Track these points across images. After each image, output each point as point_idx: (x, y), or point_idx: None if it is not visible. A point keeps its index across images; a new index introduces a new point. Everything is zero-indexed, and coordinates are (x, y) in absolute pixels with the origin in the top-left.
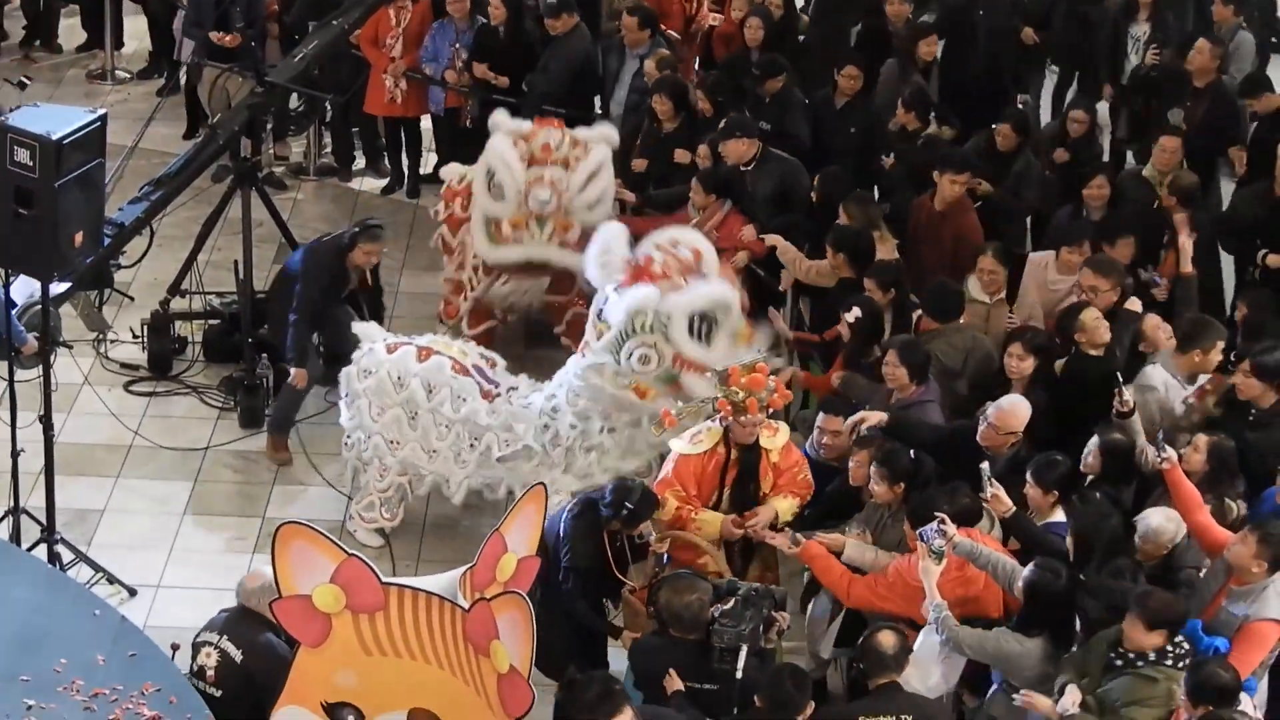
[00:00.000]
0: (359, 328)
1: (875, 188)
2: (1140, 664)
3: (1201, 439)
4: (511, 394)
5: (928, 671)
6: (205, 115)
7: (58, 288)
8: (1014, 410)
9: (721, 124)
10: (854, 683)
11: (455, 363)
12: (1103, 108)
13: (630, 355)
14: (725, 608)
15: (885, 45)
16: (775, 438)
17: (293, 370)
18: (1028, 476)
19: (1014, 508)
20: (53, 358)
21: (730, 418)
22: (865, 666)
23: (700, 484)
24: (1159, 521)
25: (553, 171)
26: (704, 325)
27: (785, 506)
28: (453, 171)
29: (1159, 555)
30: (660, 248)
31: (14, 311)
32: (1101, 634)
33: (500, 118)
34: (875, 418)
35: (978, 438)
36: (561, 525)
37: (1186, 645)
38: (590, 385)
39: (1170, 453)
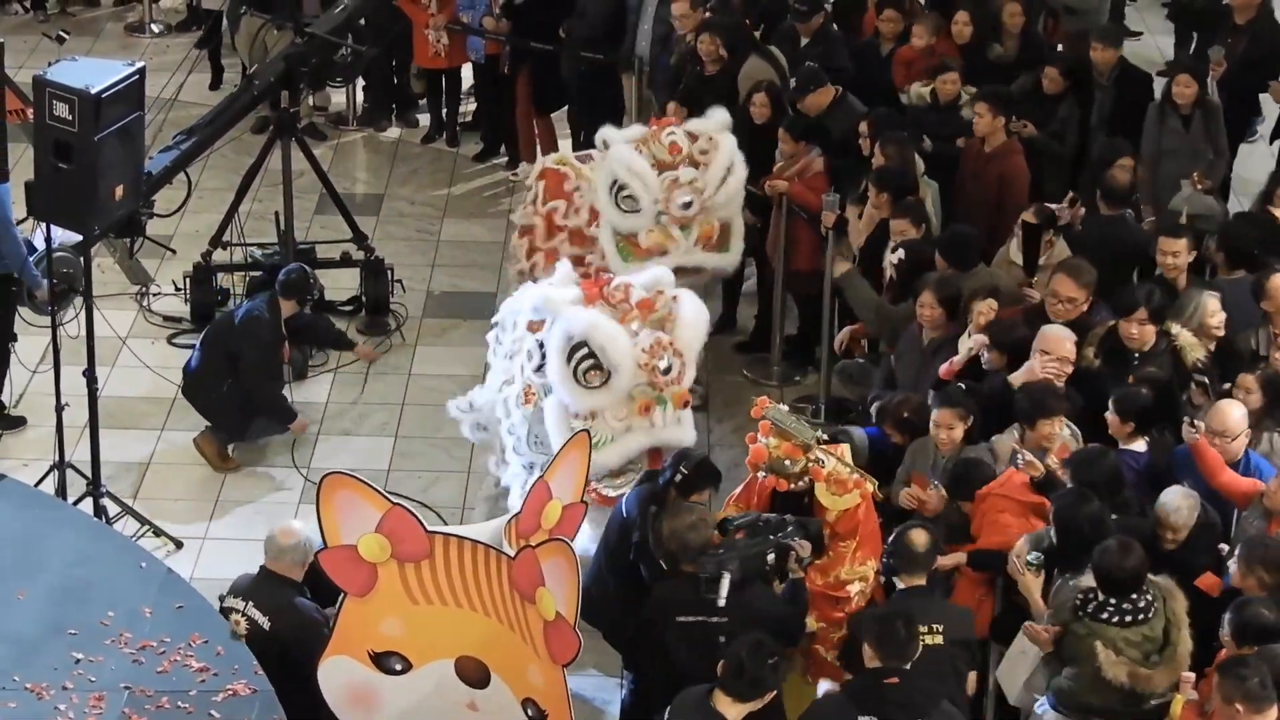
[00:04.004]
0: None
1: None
2: (1080, 617)
3: (1249, 378)
4: None
5: (1016, 680)
6: (223, 67)
7: (75, 236)
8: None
9: (793, 83)
10: (886, 584)
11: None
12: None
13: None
14: (725, 538)
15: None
16: (840, 498)
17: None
18: (1110, 404)
19: (1044, 473)
20: (74, 308)
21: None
22: (895, 563)
23: (760, 506)
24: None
25: (686, 172)
26: (588, 361)
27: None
28: (560, 155)
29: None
30: (628, 279)
31: (31, 258)
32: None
33: (610, 132)
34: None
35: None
36: (623, 503)
37: (1142, 604)
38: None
39: (1200, 424)
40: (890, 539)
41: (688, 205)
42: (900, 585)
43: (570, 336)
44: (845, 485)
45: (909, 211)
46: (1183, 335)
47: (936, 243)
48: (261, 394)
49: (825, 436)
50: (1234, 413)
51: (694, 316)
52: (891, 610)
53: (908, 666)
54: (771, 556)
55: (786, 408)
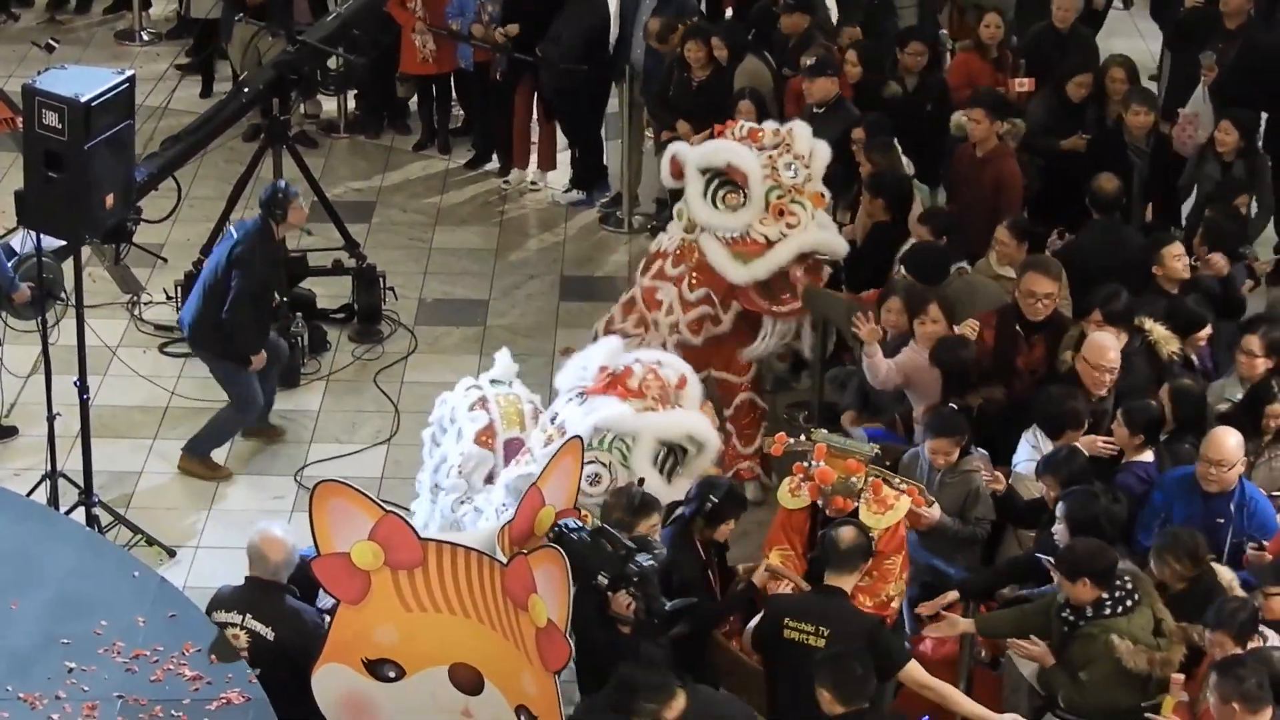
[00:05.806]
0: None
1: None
2: (1081, 623)
3: (1253, 339)
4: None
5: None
6: (214, 75)
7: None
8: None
9: (809, 62)
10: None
11: (484, 433)
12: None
13: None
14: (595, 533)
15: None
16: (883, 516)
17: (254, 358)
18: (1118, 416)
19: (1005, 487)
20: (54, 314)
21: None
22: (823, 555)
23: (802, 541)
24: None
25: (776, 150)
26: (670, 458)
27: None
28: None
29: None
30: (643, 363)
31: (10, 263)
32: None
33: (680, 147)
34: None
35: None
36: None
37: (1129, 587)
38: (518, 495)
39: (1266, 549)
40: (822, 535)
41: (794, 170)
42: (826, 580)
43: (709, 169)
44: (886, 503)
45: (929, 220)
46: (1155, 329)
47: (901, 256)
48: (240, 319)
49: (879, 450)
50: (1229, 441)
51: (691, 380)
52: (842, 652)
53: (867, 705)
54: (602, 579)
55: (825, 431)
